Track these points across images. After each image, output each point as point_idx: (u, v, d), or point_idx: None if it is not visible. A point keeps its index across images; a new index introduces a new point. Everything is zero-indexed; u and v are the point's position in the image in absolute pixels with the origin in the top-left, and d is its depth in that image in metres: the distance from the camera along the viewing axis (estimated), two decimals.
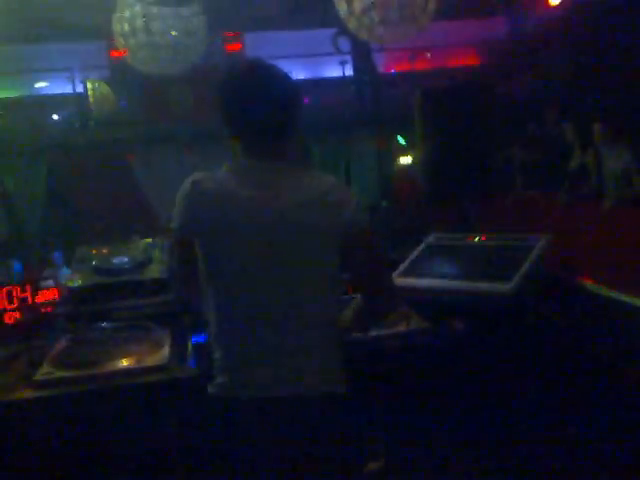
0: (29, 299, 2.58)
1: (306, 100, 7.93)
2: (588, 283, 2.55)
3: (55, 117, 7.65)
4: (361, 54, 7.12)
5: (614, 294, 2.42)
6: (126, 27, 5.18)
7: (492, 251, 2.57)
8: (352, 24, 4.82)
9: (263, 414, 1.75)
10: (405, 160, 7.24)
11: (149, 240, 3.15)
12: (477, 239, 2.65)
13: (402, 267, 2.63)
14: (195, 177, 1.83)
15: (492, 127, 2.85)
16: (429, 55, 7.04)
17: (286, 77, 1.87)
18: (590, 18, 5.56)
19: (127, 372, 2.29)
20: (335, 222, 1.78)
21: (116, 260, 2.69)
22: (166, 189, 6.87)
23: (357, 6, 4.69)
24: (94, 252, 2.80)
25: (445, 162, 2.86)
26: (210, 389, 1.82)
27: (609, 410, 2.23)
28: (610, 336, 2.31)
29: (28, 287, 2.58)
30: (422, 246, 2.71)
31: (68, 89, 7.48)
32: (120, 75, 7.14)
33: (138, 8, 5.11)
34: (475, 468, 2.51)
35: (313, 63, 7.56)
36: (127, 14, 5.15)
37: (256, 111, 1.80)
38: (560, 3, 6.07)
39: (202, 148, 6.83)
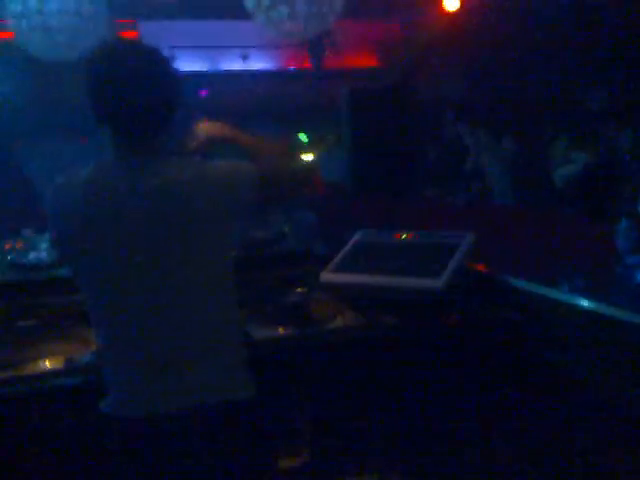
0: None
1: (204, 92, 7.83)
2: (507, 277, 2.68)
3: None
4: None
5: (532, 287, 2.57)
6: (19, 8, 4.87)
7: (421, 248, 2.65)
8: (259, 17, 4.80)
9: (151, 432, 1.63)
10: (307, 157, 7.30)
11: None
12: (404, 236, 2.72)
13: (333, 263, 2.66)
14: (56, 184, 1.67)
15: (412, 126, 2.95)
16: (328, 53, 7.12)
17: (156, 60, 1.67)
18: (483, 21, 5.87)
19: (50, 373, 2.16)
20: (207, 211, 1.61)
21: (32, 256, 2.52)
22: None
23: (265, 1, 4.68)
24: (7, 247, 2.60)
25: (370, 159, 2.93)
26: (101, 405, 1.70)
27: (536, 403, 2.36)
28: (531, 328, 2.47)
29: None
30: (351, 242, 2.75)
31: None
32: (5, 58, 6.67)
33: None
34: (404, 460, 2.58)
35: (212, 55, 7.44)
36: None
37: (120, 94, 1.60)
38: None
39: (99, 136, 6.52)
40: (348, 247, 2.72)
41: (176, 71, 1.73)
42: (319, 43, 6.29)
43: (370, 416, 2.58)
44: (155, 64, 1.66)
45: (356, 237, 2.77)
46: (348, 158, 2.94)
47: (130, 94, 1.60)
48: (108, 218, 1.59)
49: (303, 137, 7.06)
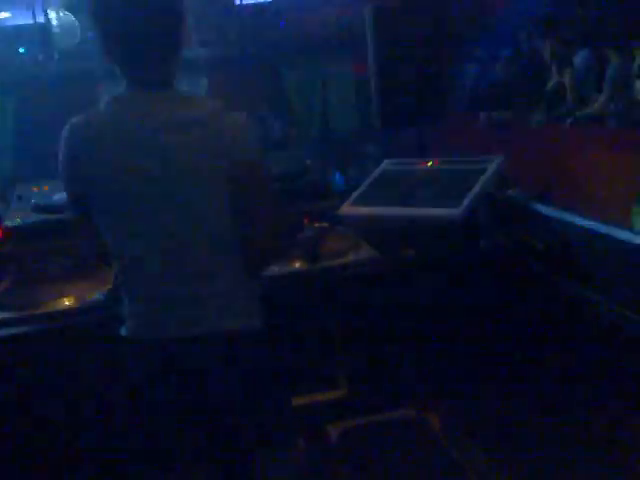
0: None
1: (282, 23, 7.67)
2: (544, 206, 2.48)
3: (19, 50, 7.37)
4: None
5: (570, 216, 2.36)
6: None
7: (444, 175, 2.49)
8: None
9: (168, 355, 1.71)
10: None
11: None
12: (430, 164, 2.56)
13: (354, 195, 2.56)
14: (72, 122, 1.67)
15: (445, 45, 2.72)
16: None
17: None
18: None
19: (70, 311, 2.25)
20: (218, 150, 1.63)
21: (57, 197, 2.60)
22: None
23: None
24: (35, 189, 2.70)
25: (398, 82, 2.75)
26: (121, 331, 1.78)
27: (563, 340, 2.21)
28: (566, 261, 2.27)
29: None
30: (375, 173, 2.63)
31: (30, 19, 7.17)
32: (83, 2, 6.83)
33: None
34: (428, 397, 2.53)
35: None
36: None
37: (126, 23, 1.59)
38: None
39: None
40: (370, 179, 2.61)
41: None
42: None
43: (399, 351, 2.53)
44: None
45: (380, 168, 2.65)
46: (375, 89, 2.77)
47: (137, 19, 1.59)
48: (123, 151, 1.62)
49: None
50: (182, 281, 1.70)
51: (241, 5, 7.28)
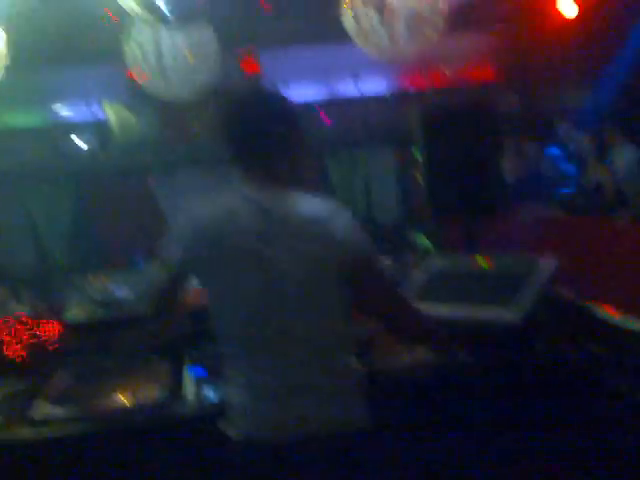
0: (33, 332, 2.58)
1: (328, 121, 7.93)
2: (601, 308, 2.43)
3: (77, 143, 7.76)
4: None
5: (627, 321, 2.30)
6: (137, 51, 5.23)
7: (497, 272, 2.47)
8: (360, 40, 4.80)
9: (266, 456, 1.73)
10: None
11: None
12: (481, 260, 2.56)
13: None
14: (191, 206, 1.84)
15: (495, 141, 2.78)
16: (445, 71, 6.95)
17: (280, 97, 1.90)
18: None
19: (124, 408, 2.26)
20: (333, 247, 1.72)
21: (117, 291, 2.68)
22: (186, 212, 6.90)
23: (365, 23, 4.68)
24: (94, 280, 2.78)
25: (446, 176, 2.80)
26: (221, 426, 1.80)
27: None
28: (623, 368, 2.19)
29: (30, 321, 2.58)
30: (422, 268, 2.63)
31: (89, 115, 7.58)
32: (139, 98, 7.22)
33: (147, 32, 5.13)
34: None
35: (328, 78, 7.54)
36: (137, 38, 5.18)
37: (250, 129, 1.80)
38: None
39: (223, 170, 6.86)
40: (418, 274, 2.61)
41: (295, 108, 1.91)
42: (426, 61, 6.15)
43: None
44: (276, 103, 1.87)
45: (428, 262, 2.65)
46: (422, 178, 2.83)
47: (255, 131, 1.80)
48: (236, 241, 1.75)
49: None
50: (291, 373, 1.73)
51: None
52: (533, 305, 2.20)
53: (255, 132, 1.79)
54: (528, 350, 2.32)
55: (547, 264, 2.36)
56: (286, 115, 1.87)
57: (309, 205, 1.78)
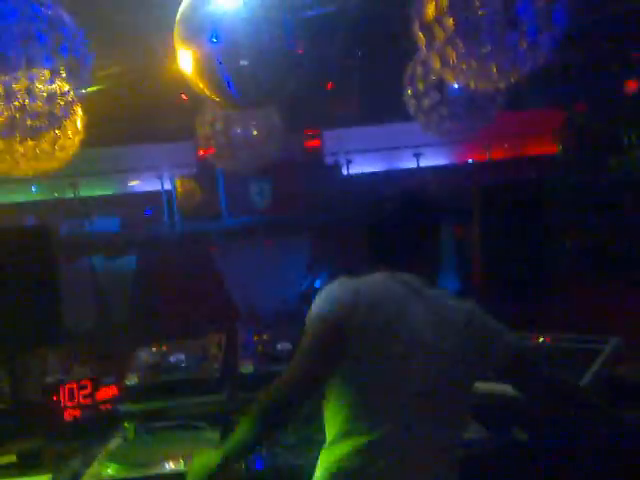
0: (90, 396, 2.64)
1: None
2: None
3: (146, 213, 8.07)
4: None
5: None
6: (207, 129, 5.51)
7: (557, 353, 2.42)
8: (420, 119, 4.91)
9: None
10: None
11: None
12: (541, 340, 2.50)
13: None
14: (349, 282, 1.83)
15: (549, 220, 2.77)
16: (506, 145, 7.00)
17: (431, 208, 1.96)
18: None
19: (176, 475, 2.27)
20: (482, 351, 1.76)
21: (173, 358, 2.73)
22: (246, 281, 7.03)
23: (426, 102, 4.80)
24: (154, 350, 2.85)
25: (501, 257, 2.79)
26: None
27: None
28: None
29: (89, 384, 2.65)
30: None
31: (158, 186, 7.91)
32: (206, 172, 7.52)
33: (219, 111, 5.41)
34: None
35: (389, 155, 7.69)
36: (208, 117, 5.46)
37: (409, 243, 1.88)
38: None
39: (280, 240, 7.00)
40: None
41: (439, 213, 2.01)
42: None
43: None
44: (428, 212, 1.96)
45: None
46: (479, 260, 2.82)
47: (415, 241, 1.91)
48: (403, 334, 1.74)
49: None
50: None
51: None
52: (595, 384, 2.13)
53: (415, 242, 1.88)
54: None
55: (609, 344, 2.29)
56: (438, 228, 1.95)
57: (457, 307, 1.84)
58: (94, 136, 4.45)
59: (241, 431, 1.73)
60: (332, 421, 1.78)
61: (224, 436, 2.47)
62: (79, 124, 4.36)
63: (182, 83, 3.23)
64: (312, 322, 1.76)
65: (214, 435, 2.47)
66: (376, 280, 1.85)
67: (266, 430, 1.70)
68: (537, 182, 2.88)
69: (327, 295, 1.80)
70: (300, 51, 2.77)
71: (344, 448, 1.73)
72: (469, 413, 1.82)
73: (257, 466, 2.22)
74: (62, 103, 3.03)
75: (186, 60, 2.83)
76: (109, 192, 8.05)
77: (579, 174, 5.86)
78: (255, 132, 5.68)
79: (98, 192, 7.87)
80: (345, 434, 1.74)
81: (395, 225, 1.90)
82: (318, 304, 1.78)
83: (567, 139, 6.65)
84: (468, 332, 1.76)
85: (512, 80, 3.49)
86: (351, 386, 1.75)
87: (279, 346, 2.82)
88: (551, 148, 7.11)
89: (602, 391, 2.22)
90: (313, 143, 7.86)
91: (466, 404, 1.82)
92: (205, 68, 2.91)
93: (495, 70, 4.36)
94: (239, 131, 5.64)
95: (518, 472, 2.18)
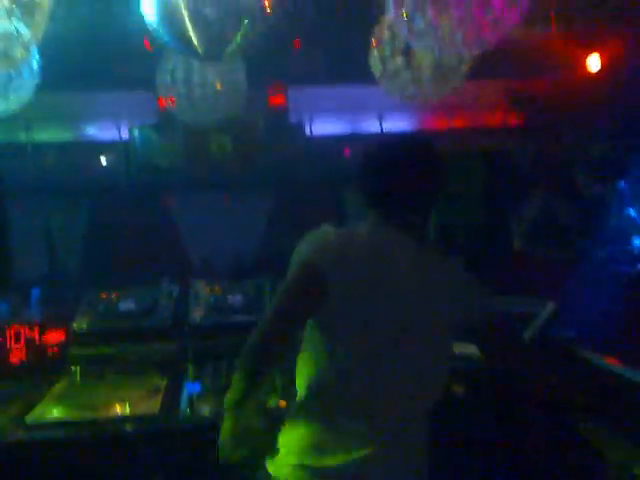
0: (36, 339, 2.63)
1: (347, 151, 8.06)
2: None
3: (101, 162, 7.90)
4: None
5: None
6: (168, 78, 5.39)
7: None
8: (386, 84, 4.92)
9: None
10: None
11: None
12: None
13: None
14: (335, 231, 1.84)
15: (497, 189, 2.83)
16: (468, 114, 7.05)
17: (436, 155, 1.92)
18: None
19: (118, 419, 2.30)
20: (460, 305, 1.81)
21: (122, 305, 2.73)
22: (202, 234, 7.02)
23: (390, 67, 4.80)
24: (103, 296, 2.84)
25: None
26: (271, 467, 1.80)
27: None
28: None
29: (36, 327, 2.64)
30: None
31: (116, 136, 7.74)
32: (166, 123, 7.38)
33: (180, 62, 5.30)
34: None
35: (353, 117, 7.67)
36: (169, 66, 5.35)
37: (408, 189, 1.85)
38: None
39: (239, 195, 6.98)
40: None
41: (442, 163, 1.94)
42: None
43: None
44: (432, 158, 1.91)
45: None
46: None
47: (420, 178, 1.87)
48: (379, 273, 1.76)
49: None
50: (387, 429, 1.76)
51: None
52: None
53: (416, 188, 1.85)
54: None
55: (546, 308, 2.39)
56: (442, 174, 1.91)
57: (442, 260, 1.88)
58: (50, 80, 4.32)
59: (235, 378, 1.78)
60: (304, 373, 1.82)
61: (172, 384, 2.51)
62: (35, 66, 4.23)
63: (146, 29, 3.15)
64: (294, 266, 1.79)
65: (162, 382, 2.49)
66: (363, 230, 1.85)
67: (255, 368, 1.71)
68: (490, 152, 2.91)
69: (312, 241, 1.82)
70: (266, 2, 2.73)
71: (314, 404, 1.79)
72: (447, 373, 1.83)
73: None
74: (18, 44, 2.94)
75: (149, 4, 2.76)
76: (64, 138, 7.83)
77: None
78: (218, 85, 5.58)
79: (53, 137, 7.66)
80: (317, 386, 1.80)
81: (399, 169, 1.85)
82: (303, 249, 1.81)
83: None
84: (451, 286, 1.79)
85: (477, 50, 3.52)
86: (327, 333, 1.78)
87: (230, 298, 2.85)
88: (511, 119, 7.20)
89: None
90: (278, 100, 7.76)
91: (445, 361, 1.82)
92: (168, 14, 2.84)
93: (461, 40, 4.38)
94: (199, 82, 5.54)
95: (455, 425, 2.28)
